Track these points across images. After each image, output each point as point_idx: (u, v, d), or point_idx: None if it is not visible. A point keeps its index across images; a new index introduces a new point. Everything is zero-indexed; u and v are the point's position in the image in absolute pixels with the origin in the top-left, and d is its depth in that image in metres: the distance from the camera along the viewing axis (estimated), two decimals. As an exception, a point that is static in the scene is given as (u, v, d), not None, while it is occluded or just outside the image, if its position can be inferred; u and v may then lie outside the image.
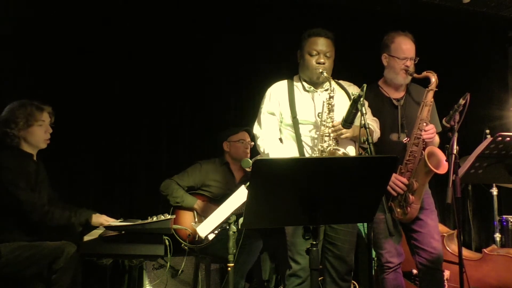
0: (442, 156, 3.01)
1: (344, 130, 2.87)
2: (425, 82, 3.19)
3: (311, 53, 3.00)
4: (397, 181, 3.07)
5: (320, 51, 2.99)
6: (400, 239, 3.23)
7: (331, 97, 2.91)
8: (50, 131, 3.28)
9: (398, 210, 3.11)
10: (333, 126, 2.89)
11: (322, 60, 2.98)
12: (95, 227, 3.22)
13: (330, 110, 2.91)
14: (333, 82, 2.95)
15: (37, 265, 2.97)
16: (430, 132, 3.09)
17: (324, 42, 3.00)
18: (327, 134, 2.89)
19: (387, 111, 3.24)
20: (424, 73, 3.16)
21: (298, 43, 3.11)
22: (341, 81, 3.14)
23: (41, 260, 2.97)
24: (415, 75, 3.17)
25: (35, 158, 3.27)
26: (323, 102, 2.94)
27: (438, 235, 3.19)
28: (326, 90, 3.02)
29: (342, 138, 2.92)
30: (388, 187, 3.08)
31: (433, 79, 3.12)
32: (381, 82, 3.35)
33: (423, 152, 3.06)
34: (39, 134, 3.22)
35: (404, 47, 3.20)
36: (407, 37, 3.24)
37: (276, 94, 3.10)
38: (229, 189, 3.94)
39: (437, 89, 3.13)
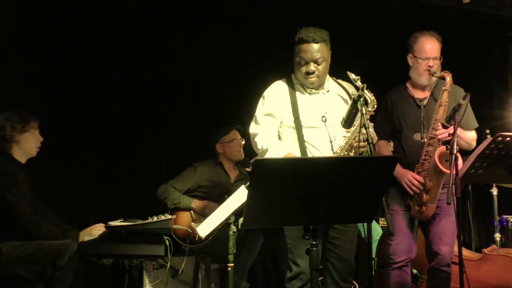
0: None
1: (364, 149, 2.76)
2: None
3: (300, 63, 2.89)
4: (413, 179, 3.12)
5: (309, 60, 2.87)
6: (415, 236, 3.25)
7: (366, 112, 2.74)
8: (41, 140, 3.33)
9: (416, 208, 3.16)
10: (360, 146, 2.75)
11: (312, 69, 2.87)
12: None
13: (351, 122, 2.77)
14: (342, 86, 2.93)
15: (41, 263, 2.97)
16: (442, 131, 3.09)
17: (313, 48, 2.85)
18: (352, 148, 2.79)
19: (411, 110, 3.27)
20: (442, 73, 3.17)
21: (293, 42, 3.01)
22: (339, 80, 3.08)
23: (45, 258, 2.97)
24: (436, 74, 3.18)
25: (22, 169, 3.28)
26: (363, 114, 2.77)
27: (448, 238, 3.20)
28: (328, 91, 2.99)
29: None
30: (405, 185, 3.14)
31: (448, 78, 3.13)
32: (408, 82, 3.38)
33: (436, 153, 3.08)
34: (32, 141, 3.27)
35: (427, 47, 3.21)
36: (431, 36, 3.25)
37: (276, 95, 2.99)
38: (225, 189, 3.95)
39: (450, 90, 3.14)
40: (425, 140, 3.17)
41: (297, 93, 2.99)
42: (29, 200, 3.22)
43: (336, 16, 4.92)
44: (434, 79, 3.25)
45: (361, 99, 2.63)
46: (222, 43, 4.68)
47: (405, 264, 3.22)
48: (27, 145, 3.25)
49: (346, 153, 2.80)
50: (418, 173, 3.14)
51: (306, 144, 2.91)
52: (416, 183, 3.11)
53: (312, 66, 2.88)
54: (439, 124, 3.10)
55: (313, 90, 2.98)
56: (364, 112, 2.62)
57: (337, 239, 2.93)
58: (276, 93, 3.00)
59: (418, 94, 3.31)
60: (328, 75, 3.01)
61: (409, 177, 3.13)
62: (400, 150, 3.25)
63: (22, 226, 3.08)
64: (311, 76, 2.89)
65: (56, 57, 4.18)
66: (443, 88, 3.14)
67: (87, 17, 4.25)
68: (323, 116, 2.90)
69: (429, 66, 3.20)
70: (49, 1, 4.18)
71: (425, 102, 3.27)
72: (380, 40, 5.00)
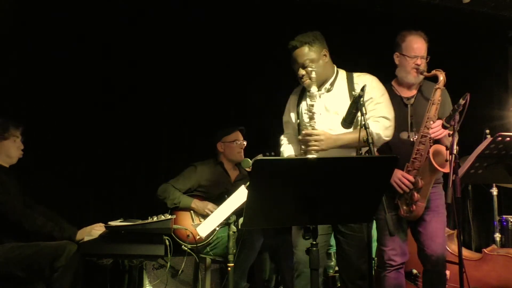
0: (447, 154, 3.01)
1: (313, 142, 2.81)
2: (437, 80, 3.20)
3: (294, 69, 2.99)
4: (403, 178, 3.09)
5: (297, 66, 2.96)
6: (405, 238, 3.24)
7: (311, 105, 2.85)
8: (22, 147, 3.35)
9: (404, 207, 3.14)
10: (307, 135, 2.83)
11: (301, 73, 2.95)
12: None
13: (311, 118, 2.85)
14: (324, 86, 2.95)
15: (39, 263, 2.98)
16: (436, 129, 3.08)
17: (296, 55, 2.96)
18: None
19: (397, 109, 3.23)
20: (433, 72, 3.17)
21: None
22: (355, 75, 3.05)
23: (43, 258, 2.97)
24: (425, 73, 3.18)
25: (7, 173, 3.29)
26: (305, 110, 2.92)
27: (440, 238, 3.19)
28: (329, 91, 2.99)
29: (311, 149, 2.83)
30: (394, 184, 3.11)
31: (441, 77, 3.13)
32: (394, 81, 3.37)
33: (430, 151, 3.07)
34: (13, 148, 3.30)
35: (415, 46, 3.21)
36: (419, 35, 3.26)
37: (290, 100, 3.16)
38: (225, 189, 3.95)
39: (444, 87, 3.15)
40: (413, 138, 3.16)
41: (304, 96, 3.06)
42: (20, 199, 3.22)
43: (336, 16, 4.92)
44: (421, 77, 3.25)
45: (361, 99, 2.63)
46: (223, 43, 4.68)
47: (401, 267, 3.22)
48: (7, 152, 3.28)
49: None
50: (408, 172, 3.12)
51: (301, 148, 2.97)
52: (406, 182, 3.09)
53: (302, 71, 2.95)
54: (431, 122, 3.10)
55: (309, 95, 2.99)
56: (364, 112, 2.63)
57: (344, 243, 2.97)
58: (290, 99, 3.17)
59: (405, 93, 3.30)
60: (341, 71, 3.02)
61: (398, 176, 3.10)
62: (387, 149, 3.22)
63: (16, 221, 3.08)
64: (303, 80, 2.96)
65: (56, 57, 4.18)
66: (436, 86, 3.14)
67: (87, 17, 4.25)
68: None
69: (417, 64, 3.20)
70: (49, 1, 4.18)
71: (412, 100, 3.26)
72: (380, 40, 4.99)
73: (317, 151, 2.82)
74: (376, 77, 3.05)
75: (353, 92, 2.91)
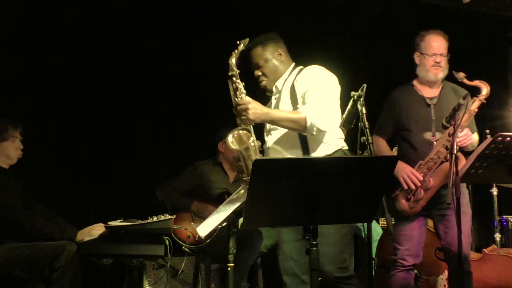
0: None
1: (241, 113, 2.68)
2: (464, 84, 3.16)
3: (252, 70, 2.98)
4: (412, 175, 3.09)
5: (254, 66, 2.98)
6: (422, 240, 3.23)
7: (232, 76, 2.81)
8: (21, 147, 3.32)
9: (403, 201, 3.13)
10: (235, 106, 2.70)
11: (258, 74, 2.97)
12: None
13: (235, 90, 2.78)
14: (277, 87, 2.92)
15: (38, 264, 2.97)
16: (463, 138, 3.04)
17: (251, 56, 2.98)
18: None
19: (420, 109, 3.25)
20: (477, 82, 3.11)
21: None
22: (303, 70, 2.91)
23: (42, 259, 2.97)
24: (465, 80, 3.10)
25: (6, 174, 3.28)
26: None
27: (466, 237, 3.13)
28: (280, 92, 2.95)
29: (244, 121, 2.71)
30: (401, 179, 3.10)
31: (485, 90, 3.08)
32: (415, 81, 3.36)
33: (448, 156, 3.02)
34: (11, 149, 3.27)
35: (434, 44, 3.23)
36: (438, 34, 3.27)
37: None
38: (224, 189, 3.96)
39: (485, 102, 3.09)
40: (436, 138, 3.15)
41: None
42: (20, 200, 3.22)
43: (337, 16, 4.92)
44: (441, 75, 3.24)
45: (361, 99, 2.63)
46: (223, 43, 4.66)
47: (412, 268, 3.22)
48: (7, 153, 3.27)
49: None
50: (419, 170, 3.11)
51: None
52: (415, 179, 3.08)
53: (257, 72, 2.98)
54: (460, 130, 3.01)
55: (271, 96, 3.01)
56: (364, 112, 2.62)
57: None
58: None
59: (427, 93, 3.29)
60: (299, 68, 2.95)
61: (407, 172, 3.10)
62: (410, 149, 3.22)
63: (16, 223, 3.08)
64: (259, 81, 2.98)
65: (56, 57, 4.19)
66: (479, 98, 3.08)
67: (87, 17, 4.25)
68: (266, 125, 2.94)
69: (436, 62, 3.21)
70: (49, 1, 4.18)
71: (435, 101, 3.26)
72: (380, 40, 5.00)
73: (246, 122, 2.70)
74: (321, 68, 2.85)
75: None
